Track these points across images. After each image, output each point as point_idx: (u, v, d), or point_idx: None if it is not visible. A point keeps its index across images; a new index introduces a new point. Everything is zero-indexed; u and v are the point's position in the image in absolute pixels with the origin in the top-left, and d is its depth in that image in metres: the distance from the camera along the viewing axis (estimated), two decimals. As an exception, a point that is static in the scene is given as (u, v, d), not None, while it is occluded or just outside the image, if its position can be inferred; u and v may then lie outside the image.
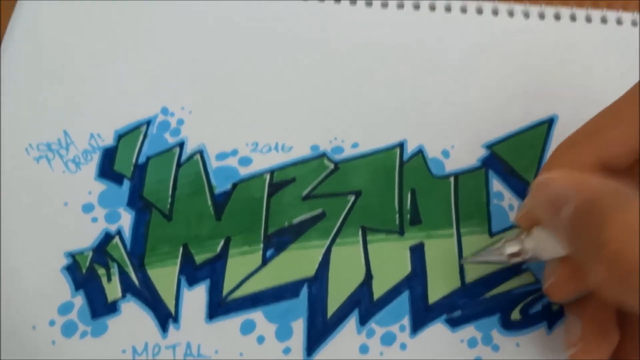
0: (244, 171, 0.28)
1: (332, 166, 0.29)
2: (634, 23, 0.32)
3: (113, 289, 0.26)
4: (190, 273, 0.26)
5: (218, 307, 0.26)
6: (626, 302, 0.17)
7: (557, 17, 0.33)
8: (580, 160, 0.21)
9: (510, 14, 0.32)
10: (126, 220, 0.27)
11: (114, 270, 0.26)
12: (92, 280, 0.26)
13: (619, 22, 0.33)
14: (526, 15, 0.33)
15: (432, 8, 0.32)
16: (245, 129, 0.29)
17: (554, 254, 0.21)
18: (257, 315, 0.26)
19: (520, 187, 0.29)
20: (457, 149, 0.29)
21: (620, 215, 0.17)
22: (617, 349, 0.22)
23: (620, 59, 0.31)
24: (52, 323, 0.25)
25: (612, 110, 0.22)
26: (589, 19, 0.33)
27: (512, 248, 0.22)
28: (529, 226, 0.23)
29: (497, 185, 0.29)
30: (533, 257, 0.22)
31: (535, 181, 0.21)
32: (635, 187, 0.19)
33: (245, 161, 0.29)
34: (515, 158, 0.29)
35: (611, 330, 0.22)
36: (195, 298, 0.26)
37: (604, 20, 0.33)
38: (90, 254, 0.26)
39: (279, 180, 0.28)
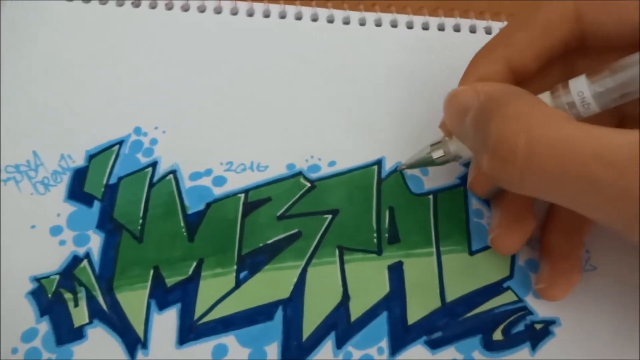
0: (218, 191, 0.28)
1: (308, 185, 0.28)
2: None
3: (80, 314, 0.25)
4: (161, 296, 0.25)
5: (189, 332, 0.25)
6: (509, 187, 0.20)
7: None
8: (490, 67, 0.23)
9: (489, 29, 0.32)
10: (95, 242, 0.26)
11: (82, 294, 0.25)
12: (58, 305, 0.25)
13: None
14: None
15: (410, 27, 0.32)
16: (219, 149, 0.29)
17: (470, 155, 0.24)
18: (229, 340, 0.25)
19: (500, 204, 0.28)
20: (436, 167, 0.29)
21: (503, 109, 0.19)
22: (547, 240, 0.26)
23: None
24: (14, 351, 0.24)
25: (518, 18, 0.23)
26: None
27: (437, 153, 0.25)
28: (449, 133, 0.25)
29: (476, 203, 0.28)
30: (456, 157, 0.25)
31: (447, 95, 0.23)
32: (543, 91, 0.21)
33: (220, 181, 0.28)
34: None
35: (525, 217, 0.25)
36: (166, 322, 0.25)
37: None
38: (57, 278, 0.25)
39: (254, 200, 0.28)
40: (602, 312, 0.26)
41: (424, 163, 0.26)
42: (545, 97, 0.21)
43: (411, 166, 0.27)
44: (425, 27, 0.32)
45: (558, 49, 0.23)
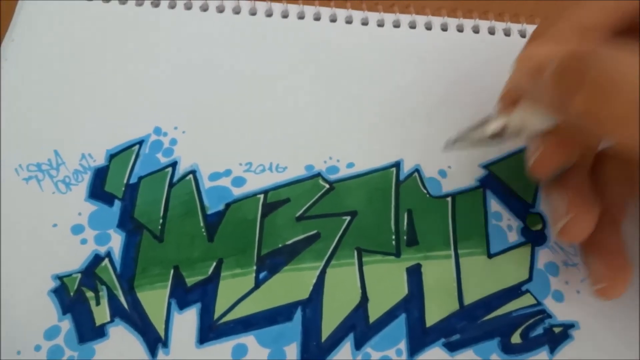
0: (238, 192, 0.28)
1: (327, 186, 0.28)
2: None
3: (101, 313, 0.25)
4: (181, 296, 0.25)
5: (209, 331, 0.25)
6: (606, 131, 0.18)
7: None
8: (560, 34, 0.22)
9: (508, 31, 0.32)
10: (116, 241, 0.26)
11: (103, 293, 0.25)
12: (80, 303, 0.25)
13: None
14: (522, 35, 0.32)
15: (428, 28, 0.32)
16: (239, 149, 0.29)
17: (538, 126, 0.21)
18: (249, 340, 0.25)
19: (518, 208, 0.28)
20: (455, 168, 0.29)
21: (607, 51, 0.17)
22: (594, 238, 0.24)
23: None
24: (37, 348, 0.24)
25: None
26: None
27: (495, 125, 0.22)
28: (510, 105, 0.23)
29: (495, 205, 0.28)
30: (515, 132, 0.22)
31: (518, 56, 0.21)
32: None
33: (239, 181, 0.28)
34: (513, 178, 0.29)
35: (594, 200, 0.23)
36: (186, 322, 0.25)
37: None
38: (79, 276, 0.26)
39: (273, 201, 0.28)
40: (622, 315, 0.26)
41: (476, 139, 0.23)
42: None
43: (461, 140, 0.24)
44: (444, 29, 0.32)
45: (634, 15, 0.21)
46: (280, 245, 0.27)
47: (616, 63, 0.17)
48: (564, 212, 0.24)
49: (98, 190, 0.28)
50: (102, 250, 0.26)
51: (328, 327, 0.25)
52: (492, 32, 0.32)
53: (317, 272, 0.26)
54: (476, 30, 0.32)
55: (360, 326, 0.25)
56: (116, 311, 0.25)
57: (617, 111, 0.17)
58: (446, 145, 0.25)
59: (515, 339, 0.25)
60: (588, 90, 0.17)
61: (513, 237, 0.27)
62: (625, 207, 0.25)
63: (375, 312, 0.26)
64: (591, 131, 0.20)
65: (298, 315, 0.25)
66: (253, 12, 0.32)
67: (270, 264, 0.26)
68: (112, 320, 0.25)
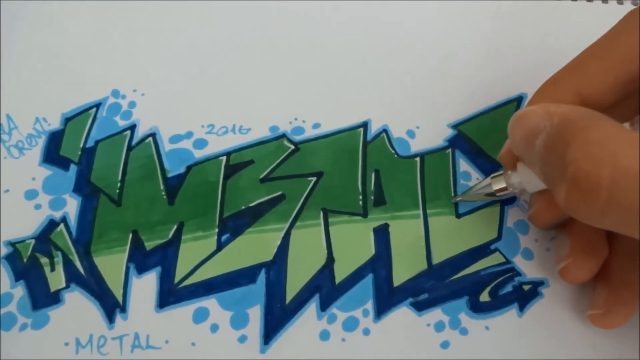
0: (199, 154, 0.27)
1: (292, 147, 0.27)
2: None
3: (56, 279, 0.24)
4: (140, 260, 0.25)
5: (169, 295, 0.24)
6: (587, 221, 0.18)
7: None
8: (560, 97, 0.21)
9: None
10: (72, 206, 0.25)
11: (58, 259, 0.24)
12: (33, 269, 0.24)
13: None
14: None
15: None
16: (201, 111, 0.28)
17: (537, 187, 0.22)
18: (210, 303, 0.24)
19: (487, 167, 0.28)
20: (423, 129, 0.28)
21: (583, 135, 0.17)
22: (607, 264, 0.23)
23: (586, 35, 0.31)
24: (-12, 316, 0.23)
25: (592, 48, 0.22)
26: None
27: (498, 185, 0.24)
28: (511, 162, 0.23)
29: (463, 164, 0.27)
30: (519, 190, 0.23)
31: (513, 116, 0.21)
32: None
33: (201, 143, 0.27)
34: (482, 137, 0.28)
35: (599, 245, 0.23)
36: (145, 286, 0.24)
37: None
38: (33, 242, 0.25)
39: (236, 163, 0.27)
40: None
41: (483, 196, 0.25)
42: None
43: (468, 198, 0.26)
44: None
45: (635, 82, 0.20)
46: (243, 207, 0.26)
47: (598, 152, 0.16)
48: (565, 255, 0.23)
49: (53, 155, 0.26)
50: (57, 215, 0.25)
51: (293, 288, 0.25)
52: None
53: (282, 234, 0.25)
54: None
55: (325, 287, 0.25)
56: (72, 277, 0.24)
57: (595, 210, 0.17)
58: (453, 200, 0.27)
59: (484, 297, 0.25)
60: (569, 184, 0.17)
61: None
62: None
63: (341, 272, 0.25)
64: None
65: (262, 277, 0.25)
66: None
67: (233, 226, 0.25)
68: (67, 286, 0.24)
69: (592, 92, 0.21)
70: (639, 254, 0.23)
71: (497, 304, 0.25)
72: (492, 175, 0.24)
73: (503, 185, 0.23)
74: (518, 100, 0.29)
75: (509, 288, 0.25)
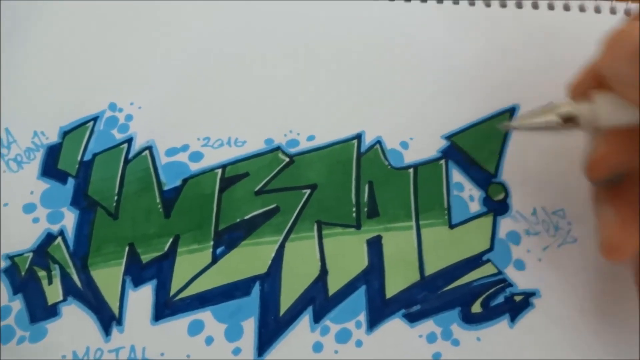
0: (195, 167, 0.27)
1: (286, 160, 0.28)
2: (582, 9, 0.32)
3: (54, 292, 0.24)
4: (136, 273, 0.25)
5: (164, 308, 0.24)
6: None
7: (519, 5, 0.32)
8: None
9: (472, 3, 0.32)
10: (70, 219, 0.26)
11: (56, 272, 0.25)
12: (31, 283, 0.25)
13: (581, 9, 0.32)
14: (487, 4, 0.32)
15: (391, -1, 0.32)
16: (196, 124, 0.28)
17: (614, 120, 0.19)
18: (205, 315, 0.24)
19: (480, 178, 0.28)
20: (417, 140, 0.29)
21: None
22: None
23: (581, 46, 0.31)
24: (-13, 329, 0.24)
25: None
26: (551, 7, 0.32)
27: (566, 108, 0.20)
28: (584, 94, 0.20)
29: (457, 175, 0.28)
30: (589, 122, 0.20)
31: (609, 37, 0.19)
32: None
33: (196, 156, 0.27)
34: (475, 148, 0.28)
35: None
36: (141, 299, 0.25)
37: (566, 7, 0.32)
38: (30, 255, 0.25)
39: (231, 175, 0.27)
40: (582, 283, 0.26)
41: (540, 126, 0.21)
42: None
43: (523, 125, 0.22)
44: (406, -2, 0.31)
45: None
46: (238, 220, 0.26)
47: None
48: (610, 225, 0.21)
49: (51, 168, 0.27)
50: (55, 228, 0.26)
51: (287, 300, 0.25)
52: (472, 3, 0.31)
53: (276, 246, 0.26)
54: (456, 1, 0.32)
55: (319, 299, 0.25)
56: (69, 290, 0.25)
57: None
58: (506, 126, 0.23)
59: (476, 308, 0.25)
60: None
61: (475, 207, 0.27)
62: None
63: (334, 284, 0.25)
64: None
65: (256, 289, 0.25)
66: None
67: (228, 238, 0.26)
68: (64, 299, 0.24)
69: None
70: None
71: (488, 315, 0.25)
72: (558, 102, 0.21)
73: (571, 110, 0.20)
74: (511, 111, 0.29)
75: (500, 299, 0.25)
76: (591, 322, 0.25)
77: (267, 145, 0.28)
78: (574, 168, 0.28)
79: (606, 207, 0.22)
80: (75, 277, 0.25)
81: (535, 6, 0.32)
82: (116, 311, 0.24)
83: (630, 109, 0.19)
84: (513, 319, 0.25)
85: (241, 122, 0.28)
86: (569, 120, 0.20)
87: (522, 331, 0.25)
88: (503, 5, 0.32)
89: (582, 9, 0.32)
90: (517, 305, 0.25)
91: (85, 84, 0.29)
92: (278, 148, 0.28)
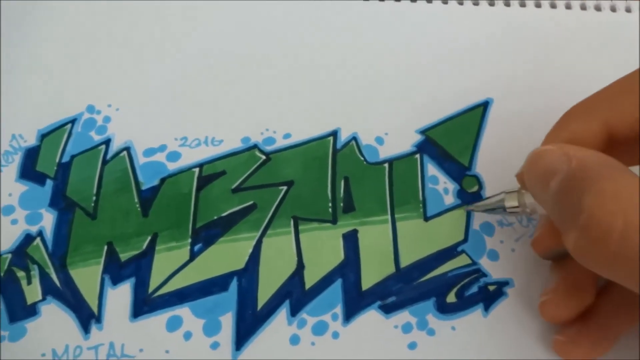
0: (173, 166, 0.28)
1: (263, 157, 0.28)
2: (552, 6, 0.32)
3: (33, 292, 0.25)
4: (115, 271, 0.25)
5: (143, 305, 0.25)
6: (594, 267, 0.18)
7: (491, 4, 0.33)
8: (586, 125, 0.21)
9: (444, 1, 0.32)
10: (48, 220, 0.26)
11: (35, 272, 0.25)
12: (10, 283, 0.25)
13: (552, 5, 0.33)
14: (460, 2, 0.32)
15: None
16: (173, 124, 0.29)
17: (542, 210, 0.22)
18: (184, 311, 0.25)
19: (455, 171, 0.28)
20: (391, 135, 0.29)
21: (600, 184, 0.17)
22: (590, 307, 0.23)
23: (553, 43, 0.32)
24: (-33, 330, 0.24)
25: (625, 80, 0.22)
26: (522, 5, 0.33)
27: (511, 202, 0.23)
28: (525, 186, 0.23)
29: (431, 169, 0.28)
30: (530, 210, 0.23)
31: (531, 152, 0.21)
32: (634, 162, 0.19)
33: (174, 156, 0.28)
34: (450, 142, 0.29)
35: (585, 290, 0.23)
36: (120, 297, 0.25)
37: (537, 5, 0.33)
38: (9, 256, 0.25)
39: (208, 174, 0.27)
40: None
41: (494, 209, 0.25)
42: (635, 170, 0.19)
43: (479, 209, 0.26)
44: (378, -3, 0.32)
45: None
46: (215, 218, 0.27)
47: (612, 205, 0.17)
48: (548, 290, 0.24)
49: (29, 171, 0.27)
50: (34, 229, 0.26)
51: (264, 295, 0.25)
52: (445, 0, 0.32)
53: (253, 242, 0.26)
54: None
55: (296, 293, 0.25)
56: (48, 289, 0.25)
57: (602, 259, 0.17)
58: (465, 208, 0.27)
59: (451, 298, 0.26)
60: (580, 231, 0.17)
61: (449, 199, 0.28)
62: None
63: (311, 278, 0.26)
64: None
65: (234, 285, 0.25)
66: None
67: (206, 236, 0.26)
68: (44, 299, 0.25)
69: (620, 124, 0.21)
70: (626, 303, 0.23)
71: (463, 305, 0.25)
72: (506, 190, 0.24)
73: (516, 203, 0.23)
74: (484, 105, 0.30)
75: (474, 289, 0.26)
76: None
77: (244, 143, 0.28)
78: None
79: (553, 273, 0.25)
80: (54, 276, 0.25)
81: (507, 4, 0.33)
82: (95, 309, 0.25)
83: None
84: (487, 308, 0.25)
85: (218, 121, 0.29)
86: (516, 207, 0.24)
87: (495, 320, 0.25)
88: (475, 4, 0.33)
89: (552, 6, 0.33)
90: (490, 295, 0.26)
91: (62, 86, 0.29)
92: (255, 146, 0.28)
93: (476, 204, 0.26)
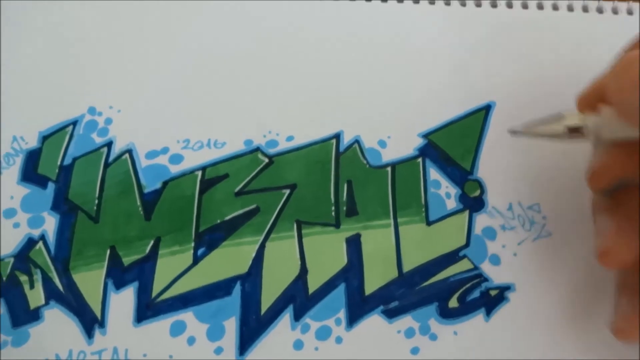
0: (175, 169, 0.28)
1: (266, 160, 0.28)
2: (555, 8, 0.32)
3: (36, 296, 0.25)
4: (118, 276, 0.25)
5: (146, 310, 0.25)
6: None
7: (494, 5, 0.32)
8: None
9: (447, 3, 0.32)
10: (50, 224, 0.26)
11: (37, 276, 0.25)
12: (13, 287, 0.25)
13: (554, 7, 0.33)
14: (463, 4, 0.32)
15: (368, -1, 0.32)
16: (176, 126, 0.28)
17: (616, 134, 0.20)
18: (187, 316, 0.25)
19: (457, 175, 0.28)
20: (394, 138, 0.29)
21: None
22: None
23: (555, 45, 0.31)
24: (-30, 334, 0.24)
25: None
26: (524, 6, 0.33)
27: (572, 120, 0.21)
28: (590, 106, 0.21)
29: (434, 173, 0.28)
30: (593, 136, 0.21)
31: (622, 59, 0.19)
32: None
33: (176, 159, 0.28)
34: (452, 146, 0.29)
35: None
36: (123, 301, 0.25)
37: (539, 6, 0.33)
38: (12, 260, 0.25)
39: (211, 177, 0.27)
40: (556, 277, 0.26)
41: (548, 135, 0.22)
42: None
43: (529, 132, 0.23)
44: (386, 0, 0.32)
45: None
46: (218, 221, 0.27)
47: None
48: (608, 234, 0.22)
49: (30, 173, 0.27)
50: (36, 233, 0.26)
51: (267, 299, 0.25)
52: (448, 3, 0.32)
53: (257, 246, 0.26)
54: (432, 1, 0.32)
55: (299, 297, 0.25)
56: (51, 294, 0.25)
57: None
58: (512, 129, 0.24)
59: (453, 303, 0.26)
60: None
61: (451, 204, 0.28)
62: None
63: (314, 283, 0.26)
64: None
65: (237, 289, 0.25)
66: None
67: (209, 240, 0.26)
68: (47, 303, 0.25)
69: None
70: None
71: (465, 310, 0.26)
72: (565, 112, 0.22)
73: (577, 121, 0.21)
74: (486, 109, 0.30)
75: (476, 294, 0.26)
76: (565, 315, 0.26)
77: (247, 146, 0.28)
78: (549, 162, 0.28)
79: (604, 216, 0.23)
80: (57, 281, 0.25)
81: (509, 5, 0.32)
82: (98, 314, 0.24)
83: (630, 128, 0.20)
84: (488, 312, 0.26)
85: (221, 123, 0.29)
86: (575, 131, 0.21)
87: (497, 325, 0.25)
88: (478, 5, 0.32)
89: (555, 7, 0.33)
90: (492, 300, 0.26)
91: (64, 88, 0.29)
92: (257, 149, 0.28)
93: (526, 123, 0.23)
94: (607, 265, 0.22)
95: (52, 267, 0.25)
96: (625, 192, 0.22)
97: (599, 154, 0.23)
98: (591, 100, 0.22)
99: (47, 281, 0.25)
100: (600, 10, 0.32)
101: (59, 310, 0.25)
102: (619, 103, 0.20)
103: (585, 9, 0.33)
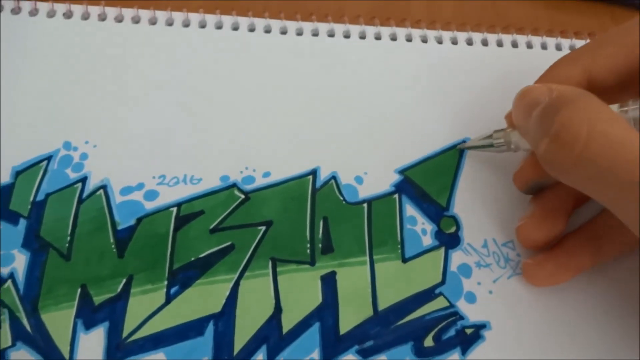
0: (150, 205, 0.27)
1: (242, 197, 0.28)
2: (549, 47, 0.33)
3: (2, 337, 0.24)
4: (88, 315, 0.25)
5: (116, 351, 0.24)
6: (558, 172, 0.21)
7: (469, 42, 0.33)
8: (570, 72, 0.24)
9: (424, 40, 0.33)
10: (20, 262, 0.26)
11: (5, 316, 0.24)
12: (-21, 328, 0.24)
13: (528, 46, 0.33)
14: (439, 41, 0.33)
15: (347, 36, 0.33)
16: (152, 162, 0.28)
17: (527, 146, 0.25)
18: (159, 357, 0.24)
19: (433, 211, 0.29)
20: (370, 174, 0.29)
21: (572, 103, 0.21)
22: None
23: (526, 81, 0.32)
24: None
25: (610, 33, 0.25)
26: (500, 44, 0.33)
27: (498, 139, 0.27)
28: (513, 124, 0.26)
29: (410, 209, 0.28)
30: (515, 147, 0.26)
31: (520, 90, 0.24)
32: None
33: (151, 195, 0.28)
34: (428, 182, 0.29)
35: (557, 218, 0.26)
36: (93, 342, 0.24)
37: (514, 44, 0.33)
38: (-21, 300, 0.25)
39: (186, 214, 0.27)
40: (530, 315, 0.26)
41: (484, 147, 0.28)
42: (614, 107, 0.22)
43: (471, 147, 0.29)
44: (347, 35, 0.32)
45: (637, 70, 0.24)
46: (192, 259, 0.26)
47: (580, 115, 0.20)
48: (526, 216, 0.26)
49: (2, 210, 0.27)
50: (5, 271, 0.25)
51: (240, 340, 0.25)
52: (409, 39, 0.33)
53: (231, 284, 0.26)
54: (394, 37, 0.32)
55: (273, 337, 0.25)
56: (18, 335, 0.24)
57: (568, 161, 0.20)
58: (459, 146, 0.30)
59: (428, 342, 0.26)
60: (550, 138, 0.21)
61: (427, 240, 0.28)
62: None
63: (288, 322, 0.25)
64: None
65: (210, 329, 0.25)
66: (169, 23, 0.32)
67: (182, 278, 0.26)
68: (13, 345, 0.24)
69: (599, 73, 0.24)
70: (592, 239, 0.26)
71: (440, 348, 0.25)
72: (495, 129, 0.27)
73: (502, 141, 0.27)
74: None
75: (452, 332, 0.26)
76: (539, 352, 0.26)
77: (223, 182, 0.28)
78: (523, 199, 0.29)
79: (529, 206, 0.27)
80: (25, 321, 0.24)
81: (484, 43, 0.33)
82: (67, 355, 0.24)
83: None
84: (464, 351, 0.25)
85: (197, 159, 0.29)
86: (501, 145, 0.27)
87: (473, 364, 0.25)
88: (454, 42, 0.33)
89: (529, 45, 0.33)
90: (468, 338, 0.26)
91: (39, 122, 0.29)
92: (234, 185, 0.28)
93: (467, 142, 0.29)
94: (523, 243, 0.27)
95: (20, 307, 0.25)
96: (553, 185, 0.26)
97: (523, 159, 0.27)
98: (511, 120, 0.26)
99: (14, 321, 0.24)
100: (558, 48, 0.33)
101: (25, 352, 0.24)
102: (516, 124, 0.25)
103: (572, 48, 0.33)
